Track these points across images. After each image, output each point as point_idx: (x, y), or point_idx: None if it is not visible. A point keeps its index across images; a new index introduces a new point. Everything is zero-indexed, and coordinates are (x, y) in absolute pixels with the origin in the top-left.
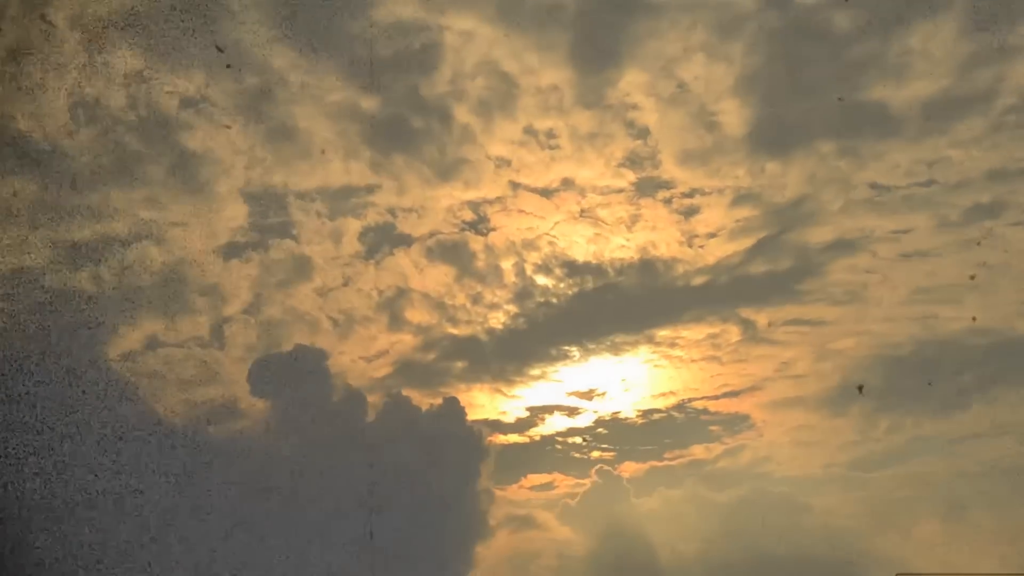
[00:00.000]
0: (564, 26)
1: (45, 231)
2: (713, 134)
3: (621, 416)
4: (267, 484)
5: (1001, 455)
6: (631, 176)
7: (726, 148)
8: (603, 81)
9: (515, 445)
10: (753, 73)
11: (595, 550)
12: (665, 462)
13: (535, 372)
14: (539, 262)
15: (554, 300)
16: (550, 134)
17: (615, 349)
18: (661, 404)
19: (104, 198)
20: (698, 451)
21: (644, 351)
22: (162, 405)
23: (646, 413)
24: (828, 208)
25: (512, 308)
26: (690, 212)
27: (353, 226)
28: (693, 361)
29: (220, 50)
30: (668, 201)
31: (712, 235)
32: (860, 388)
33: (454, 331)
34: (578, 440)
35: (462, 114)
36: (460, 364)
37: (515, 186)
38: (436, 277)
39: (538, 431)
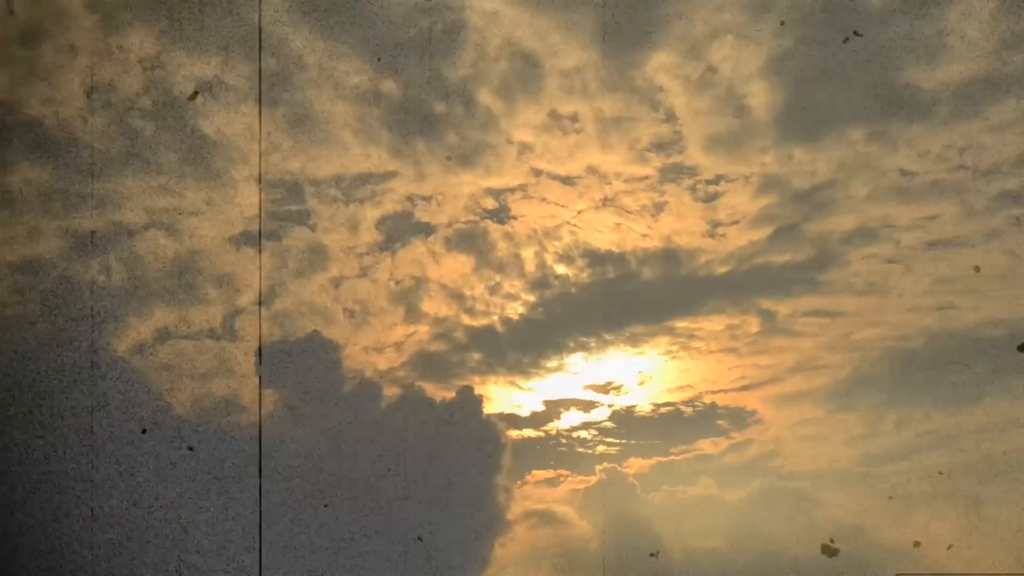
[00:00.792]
0: (591, 5)
1: (56, 220)
2: (741, 119)
3: (636, 411)
4: (277, 480)
5: (1010, 448)
6: (656, 162)
7: (754, 133)
8: (629, 63)
9: (527, 440)
10: (783, 55)
11: (603, 548)
12: (670, 457)
13: (551, 364)
14: (560, 251)
15: (573, 290)
16: (574, 118)
17: (633, 341)
18: (675, 398)
19: (117, 186)
20: (705, 446)
21: (662, 343)
22: (174, 398)
23: (658, 407)
24: (855, 195)
25: (530, 298)
26: (714, 199)
27: (371, 214)
28: (711, 353)
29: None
30: (692, 188)
31: (735, 223)
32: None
33: (471, 322)
34: (584, 435)
35: (485, 98)
36: (475, 356)
37: (537, 173)
38: (454, 267)
39: (554, 425)
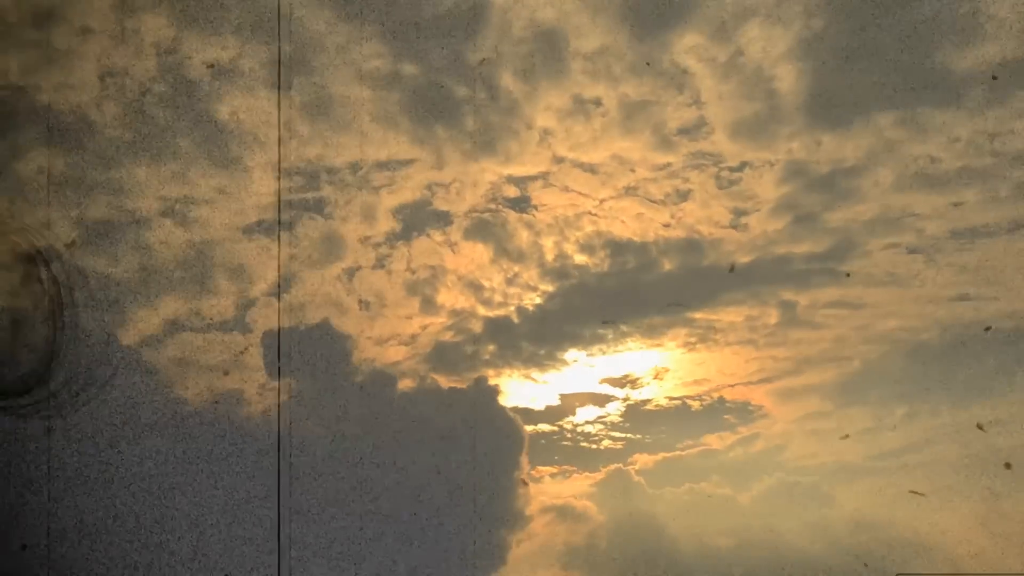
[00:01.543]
0: None
1: (68, 209)
2: (768, 103)
3: (649, 405)
4: (291, 474)
5: (1018, 443)
6: (681, 148)
7: (780, 118)
8: (656, 45)
9: (538, 433)
10: (813, 36)
11: (613, 545)
12: (676, 452)
13: (567, 356)
14: (581, 241)
15: (592, 281)
16: (598, 103)
17: (650, 332)
18: (691, 391)
19: (130, 174)
20: (712, 440)
21: (680, 334)
22: (185, 390)
23: (672, 401)
24: (882, 183)
25: (548, 288)
26: (738, 187)
27: (388, 202)
28: (728, 345)
29: None
30: (717, 176)
31: (758, 212)
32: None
33: (487, 313)
34: (595, 430)
35: (507, 82)
36: (491, 347)
37: (559, 160)
38: (472, 257)
39: (567, 420)
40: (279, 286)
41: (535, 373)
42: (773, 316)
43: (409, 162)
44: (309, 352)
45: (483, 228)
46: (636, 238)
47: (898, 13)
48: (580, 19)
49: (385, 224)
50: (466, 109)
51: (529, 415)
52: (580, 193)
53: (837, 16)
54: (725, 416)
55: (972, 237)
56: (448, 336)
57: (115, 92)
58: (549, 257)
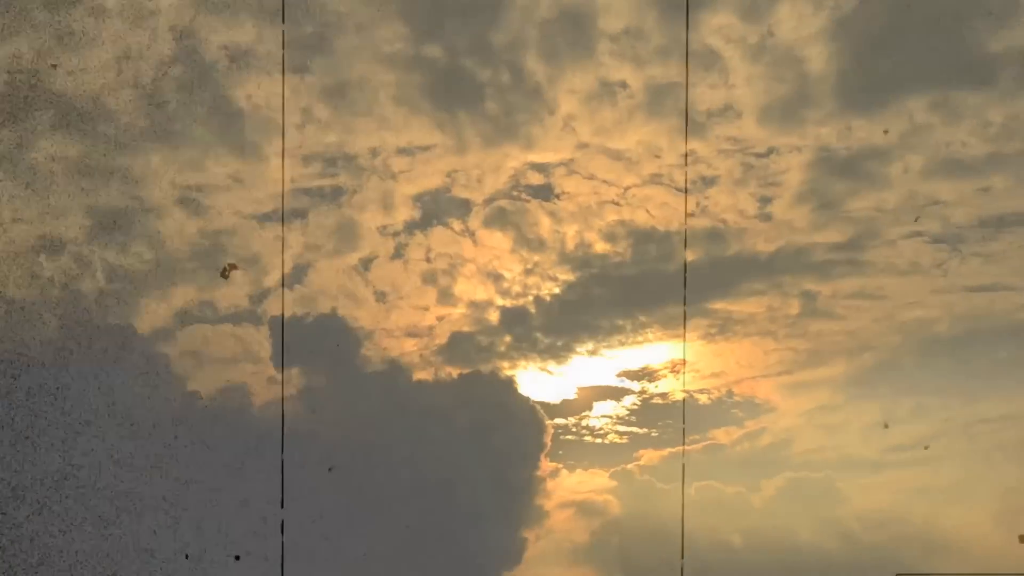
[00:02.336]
0: None
1: (80, 198)
2: (798, 86)
3: (665, 399)
4: (305, 469)
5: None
6: (708, 134)
7: (811, 102)
8: (684, 25)
9: (556, 427)
10: (844, 17)
11: (625, 541)
12: (683, 447)
13: (584, 348)
14: (604, 230)
15: (613, 271)
16: (623, 85)
17: (667, 323)
18: (708, 384)
19: (145, 161)
20: (719, 435)
21: (700, 325)
22: (196, 381)
23: (691, 394)
24: (911, 168)
25: (568, 278)
26: (764, 174)
27: (407, 190)
28: (747, 336)
29: None
30: (743, 162)
31: (783, 199)
32: None
33: (505, 303)
34: (607, 424)
35: (532, 65)
36: (507, 339)
37: (583, 146)
38: (492, 245)
39: (580, 413)
40: (283, 277)
41: (551, 365)
42: (794, 307)
43: (429, 147)
44: (320, 344)
45: (503, 216)
46: (660, 227)
47: None
48: None
49: (404, 212)
50: (489, 92)
51: (545, 409)
52: (604, 181)
53: None
54: (734, 410)
55: (999, 226)
56: (465, 327)
57: (131, 76)
58: (570, 246)
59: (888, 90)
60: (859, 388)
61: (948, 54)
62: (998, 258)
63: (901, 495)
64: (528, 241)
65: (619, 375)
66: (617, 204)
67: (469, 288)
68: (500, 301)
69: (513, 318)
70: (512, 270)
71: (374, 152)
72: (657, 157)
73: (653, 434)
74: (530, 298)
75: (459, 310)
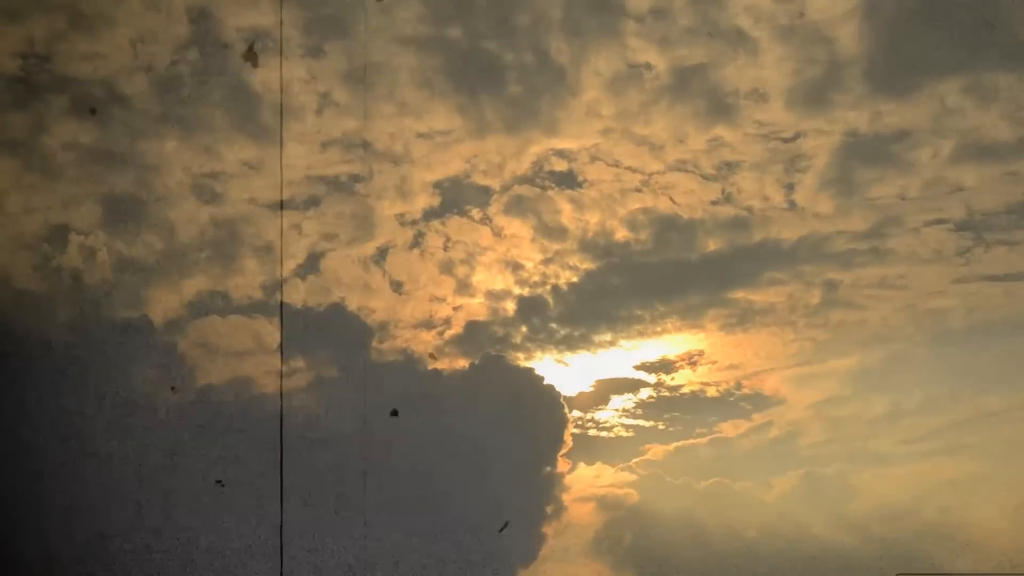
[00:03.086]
0: None
1: (94, 185)
2: (828, 68)
3: (682, 391)
4: (322, 463)
5: None
6: (735, 117)
7: (841, 85)
8: (712, 4)
9: (562, 419)
10: None
11: (639, 536)
12: (691, 441)
13: (601, 339)
14: (626, 218)
15: (635, 260)
16: (649, 67)
17: (686, 313)
18: (724, 377)
19: (159, 148)
20: (726, 428)
21: (720, 315)
22: (207, 370)
23: (707, 387)
24: (941, 153)
25: (589, 267)
26: (791, 159)
27: (427, 176)
28: (766, 327)
29: None
30: (770, 147)
31: (809, 186)
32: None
33: (523, 292)
34: (621, 417)
35: (555, 46)
36: (524, 329)
37: (608, 131)
38: (511, 232)
39: (601, 407)
40: (280, 267)
41: (568, 356)
42: (816, 296)
43: (450, 132)
44: (332, 335)
45: (524, 204)
46: (684, 215)
47: None
48: None
49: (422, 200)
50: (511, 76)
51: (555, 399)
52: (628, 168)
53: None
54: (746, 404)
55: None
56: (481, 318)
57: (146, 60)
58: (591, 234)
59: (919, 73)
60: (877, 379)
61: (981, 35)
62: (1017, 244)
63: (923, 487)
64: (549, 229)
65: (636, 367)
66: (640, 191)
67: (487, 277)
68: (518, 291)
69: (531, 308)
70: (531, 259)
71: (392, 137)
72: (682, 142)
73: (661, 427)
74: (548, 287)
75: (477, 300)
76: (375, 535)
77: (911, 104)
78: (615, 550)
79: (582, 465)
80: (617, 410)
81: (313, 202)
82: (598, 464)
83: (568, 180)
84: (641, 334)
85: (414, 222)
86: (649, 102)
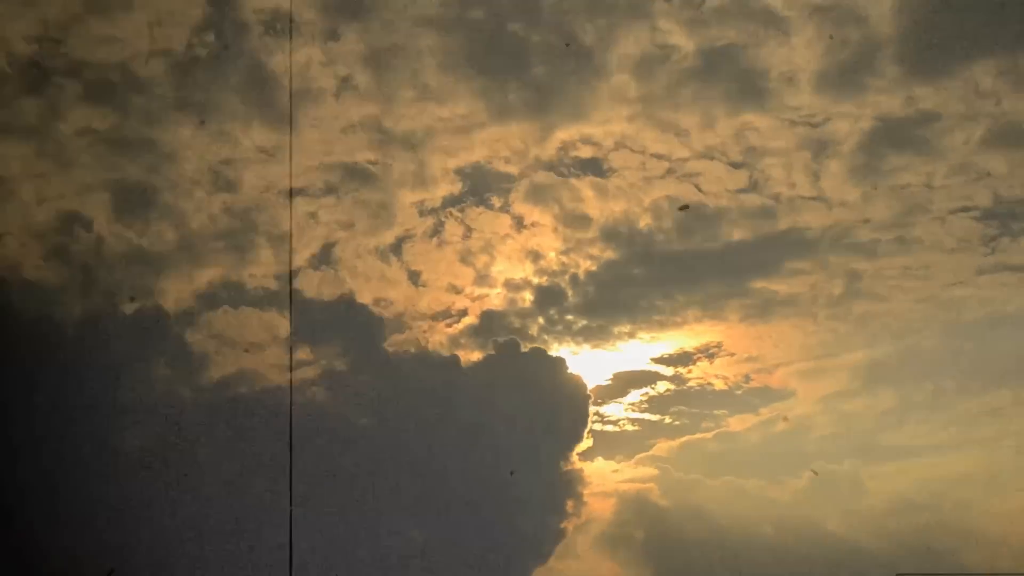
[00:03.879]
0: None
1: (107, 173)
2: (861, 49)
3: (699, 385)
4: (339, 457)
5: None
6: (765, 102)
7: (873, 67)
8: None
9: (578, 412)
10: None
11: (650, 531)
12: (698, 435)
13: (620, 330)
14: (651, 206)
15: (657, 248)
16: (678, 50)
17: (706, 304)
18: (741, 370)
19: (174, 134)
20: (733, 423)
21: (740, 306)
22: (222, 367)
23: (724, 380)
24: (972, 138)
25: (610, 256)
26: (819, 145)
27: (447, 163)
28: (786, 318)
29: None
30: (799, 133)
31: (836, 173)
32: None
33: (542, 282)
34: (634, 411)
35: (583, 29)
36: (541, 321)
37: (634, 117)
38: (532, 220)
39: (619, 400)
40: (290, 253)
41: (586, 349)
42: (838, 286)
43: (471, 117)
44: (345, 327)
45: (547, 191)
46: (710, 202)
47: None
48: None
49: (442, 187)
50: (536, 59)
51: (568, 390)
52: (655, 155)
53: None
54: (757, 397)
55: None
56: (500, 309)
57: (162, 43)
58: (615, 223)
59: (953, 54)
60: (892, 372)
61: (1019, 15)
62: None
63: (935, 485)
64: (571, 218)
65: (653, 360)
66: (664, 179)
67: (507, 268)
68: (536, 280)
69: (549, 298)
70: (553, 248)
71: (412, 122)
72: (710, 127)
73: (675, 422)
74: (568, 277)
75: (496, 290)
76: (388, 530)
77: (944, 87)
78: (626, 545)
79: (596, 460)
80: (633, 404)
81: (330, 189)
82: (603, 459)
83: (593, 167)
84: (661, 325)
85: (433, 210)
86: (677, 85)
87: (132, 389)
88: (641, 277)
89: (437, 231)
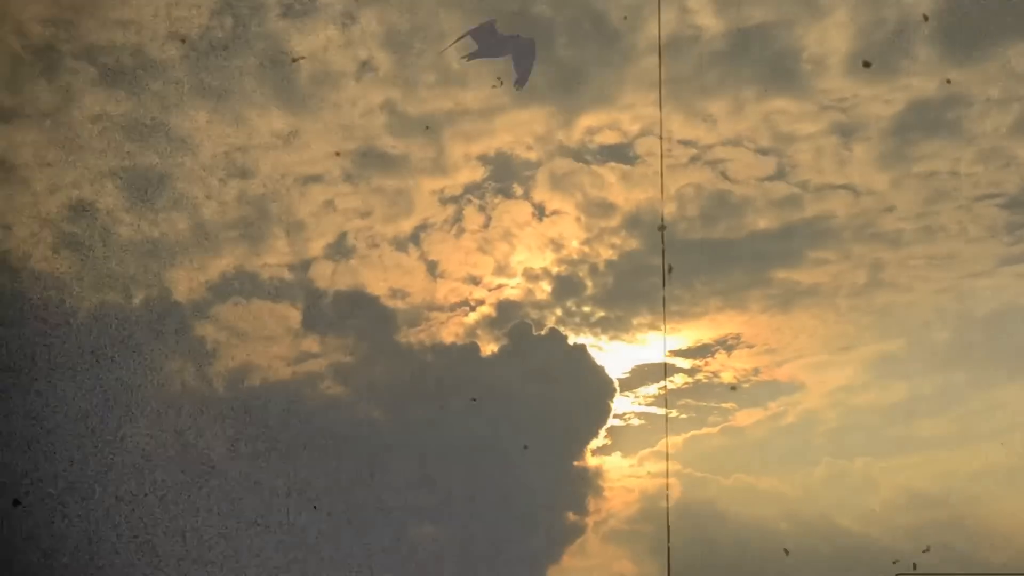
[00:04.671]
0: None
1: (119, 160)
2: (896, 28)
3: (717, 378)
4: (355, 452)
5: None
6: (796, 85)
7: (907, 48)
8: None
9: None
10: None
11: (661, 528)
12: (704, 430)
13: (638, 321)
14: (675, 195)
15: (680, 238)
16: (708, 29)
17: (726, 295)
18: (759, 363)
19: (190, 119)
20: (740, 417)
21: (760, 296)
22: (234, 361)
23: (739, 373)
24: (1003, 123)
25: (632, 246)
26: (849, 131)
27: (468, 150)
28: (807, 309)
29: None
30: (829, 118)
31: (864, 160)
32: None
33: (561, 271)
34: (653, 408)
35: (611, 7)
36: (558, 312)
37: (661, 102)
38: (552, 208)
39: (636, 391)
40: (298, 239)
41: (604, 341)
42: (862, 276)
43: (494, 100)
44: (360, 319)
45: (570, 179)
46: (736, 190)
47: None
48: None
49: (463, 175)
50: (561, 41)
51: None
52: (681, 141)
53: None
54: (773, 390)
55: None
56: (518, 299)
57: (180, 26)
58: (637, 211)
59: (989, 34)
60: (910, 365)
61: None
62: None
63: (947, 481)
64: (595, 207)
65: (670, 354)
66: (688, 167)
67: (527, 257)
68: (556, 269)
69: (568, 288)
70: (575, 237)
71: (433, 105)
72: (739, 112)
73: (673, 415)
74: (587, 267)
75: (515, 280)
76: (393, 527)
77: (978, 70)
78: (639, 543)
79: (617, 454)
80: (648, 396)
81: (347, 177)
82: (619, 454)
83: (618, 154)
84: (682, 315)
85: (454, 198)
86: (705, 67)
87: (143, 380)
88: (659, 268)
89: (458, 218)
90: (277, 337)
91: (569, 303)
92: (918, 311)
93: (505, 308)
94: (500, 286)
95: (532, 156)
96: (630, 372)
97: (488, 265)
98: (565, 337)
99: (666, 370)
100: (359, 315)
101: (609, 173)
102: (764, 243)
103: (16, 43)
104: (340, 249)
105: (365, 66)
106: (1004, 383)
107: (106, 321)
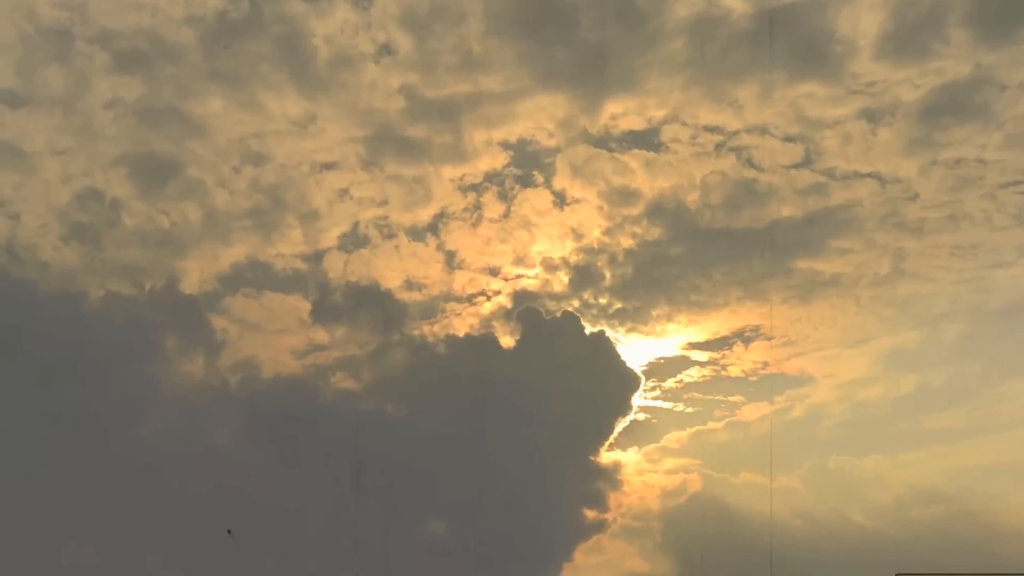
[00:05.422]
0: None
1: (133, 147)
2: (928, 13)
3: (734, 372)
4: (371, 448)
5: None
6: (824, 68)
7: (939, 34)
8: None
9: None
10: None
11: (669, 527)
12: (709, 425)
13: (657, 312)
14: (700, 184)
15: (702, 227)
16: (735, 12)
17: (746, 285)
18: (775, 356)
19: (204, 105)
20: (748, 412)
21: (781, 287)
22: (244, 351)
23: (757, 368)
24: None
25: (653, 235)
26: (876, 117)
27: (490, 136)
28: (827, 300)
29: None
30: (857, 103)
31: (892, 147)
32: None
33: (580, 261)
34: (666, 402)
35: None
36: (575, 303)
37: (688, 87)
38: (573, 196)
39: (653, 382)
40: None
41: (621, 334)
42: (885, 266)
43: (516, 84)
44: (374, 310)
45: (593, 166)
46: (760, 179)
47: None
48: None
49: (483, 162)
50: (586, 24)
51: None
52: (706, 128)
53: None
54: (770, 386)
55: None
56: (536, 292)
57: (196, 9)
58: (663, 200)
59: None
60: (925, 357)
61: None
62: None
63: (951, 477)
64: (617, 195)
65: (687, 346)
66: (711, 155)
67: (547, 247)
68: (575, 259)
69: (586, 278)
70: (596, 226)
71: (453, 89)
72: (766, 98)
73: (687, 411)
74: (607, 257)
75: (533, 271)
76: (406, 518)
77: (1010, 53)
78: (649, 538)
79: (630, 450)
80: (664, 390)
81: (364, 164)
82: (635, 449)
83: (643, 141)
84: (701, 305)
85: (474, 187)
86: (731, 50)
87: (149, 371)
88: (681, 257)
89: (478, 206)
90: (287, 328)
91: (586, 294)
92: (938, 302)
93: (522, 298)
94: (519, 276)
95: (553, 143)
96: (647, 365)
97: (507, 255)
98: (583, 328)
99: (681, 364)
100: (373, 306)
101: (632, 160)
102: (787, 232)
103: (28, 26)
104: (354, 239)
105: (384, 49)
106: (1016, 376)
107: (115, 312)
